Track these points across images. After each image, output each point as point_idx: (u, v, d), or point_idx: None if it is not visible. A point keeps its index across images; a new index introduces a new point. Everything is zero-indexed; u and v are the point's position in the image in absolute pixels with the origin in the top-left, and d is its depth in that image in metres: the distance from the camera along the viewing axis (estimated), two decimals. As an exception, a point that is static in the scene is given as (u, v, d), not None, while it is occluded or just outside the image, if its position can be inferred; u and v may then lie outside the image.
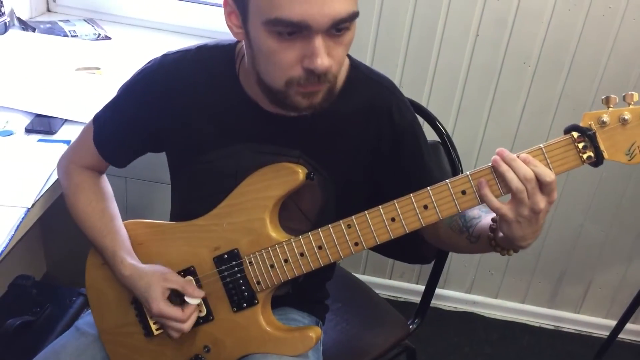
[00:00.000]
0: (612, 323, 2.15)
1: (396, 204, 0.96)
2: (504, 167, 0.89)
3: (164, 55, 1.09)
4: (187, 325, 1.06)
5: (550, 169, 0.89)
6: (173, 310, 1.05)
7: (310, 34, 0.86)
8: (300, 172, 1.02)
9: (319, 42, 0.86)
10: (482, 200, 0.92)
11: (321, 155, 1.06)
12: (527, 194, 0.88)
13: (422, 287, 1.53)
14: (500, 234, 0.95)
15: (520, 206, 0.89)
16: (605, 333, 2.20)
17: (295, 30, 0.86)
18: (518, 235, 0.91)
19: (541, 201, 0.88)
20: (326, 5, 0.84)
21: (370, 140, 1.07)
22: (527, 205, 0.88)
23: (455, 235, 1.06)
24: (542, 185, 0.88)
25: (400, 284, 2.30)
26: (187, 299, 1.06)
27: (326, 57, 0.87)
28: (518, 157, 0.89)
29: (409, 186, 0.97)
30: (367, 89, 0.94)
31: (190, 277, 1.10)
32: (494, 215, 0.95)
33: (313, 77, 0.89)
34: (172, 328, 1.06)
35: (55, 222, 1.90)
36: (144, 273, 1.08)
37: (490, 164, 0.91)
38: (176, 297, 1.07)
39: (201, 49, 1.08)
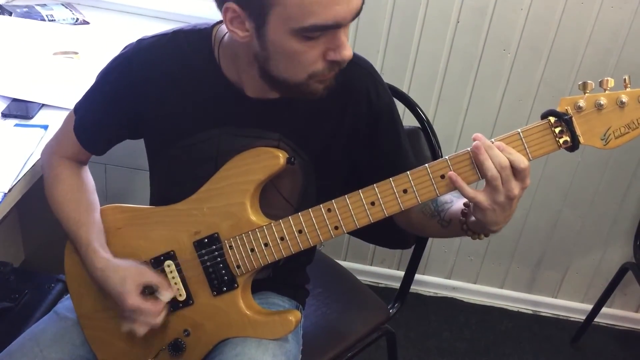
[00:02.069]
0: (589, 307, 2.19)
1: (376, 188, 0.96)
2: (483, 156, 0.90)
3: (140, 40, 1.08)
4: (159, 320, 1.06)
5: (527, 153, 0.90)
6: (148, 305, 1.04)
7: (335, 30, 0.88)
8: (281, 157, 1.02)
9: (343, 35, 0.89)
10: (460, 191, 0.93)
11: (301, 138, 1.07)
12: (502, 181, 0.89)
13: (402, 273, 1.54)
14: (472, 219, 0.96)
15: (495, 193, 0.90)
16: (581, 317, 2.24)
17: (325, 31, 0.87)
18: (491, 221, 0.93)
19: (515, 187, 0.89)
20: (352, 1, 0.86)
21: (349, 121, 1.07)
22: (502, 192, 0.90)
23: (427, 220, 1.07)
24: (516, 172, 0.89)
25: (382, 270, 2.32)
26: (159, 293, 1.06)
27: (349, 47, 0.91)
28: (492, 144, 0.90)
29: (386, 167, 0.99)
30: (346, 70, 0.95)
31: (170, 263, 1.09)
32: (465, 200, 0.96)
33: (336, 66, 0.92)
34: (143, 323, 1.05)
35: (34, 210, 1.86)
36: (118, 267, 1.07)
37: (469, 149, 0.92)
38: (146, 294, 1.07)
39: (177, 33, 1.07)
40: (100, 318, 1.15)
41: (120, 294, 1.04)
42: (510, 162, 0.89)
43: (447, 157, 0.93)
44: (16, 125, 1.32)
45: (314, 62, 0.91)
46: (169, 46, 1.06)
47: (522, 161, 0.89)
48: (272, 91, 1.01)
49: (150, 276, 1.07)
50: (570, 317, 2.33)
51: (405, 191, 0.95)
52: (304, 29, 0.86)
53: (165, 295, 1.06)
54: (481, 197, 0.91)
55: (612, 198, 2.11)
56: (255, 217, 1.05)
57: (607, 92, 0.89)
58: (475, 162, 0.92)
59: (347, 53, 0.90)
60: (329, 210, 0.99)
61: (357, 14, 0.89)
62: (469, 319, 2.26)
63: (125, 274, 1.05)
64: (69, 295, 1.19)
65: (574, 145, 0.90)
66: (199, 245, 1.08)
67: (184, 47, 1.05)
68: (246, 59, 0.96)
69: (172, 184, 1.13)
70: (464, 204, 0.99)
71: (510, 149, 0.90)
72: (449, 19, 1.85)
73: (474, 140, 0.91)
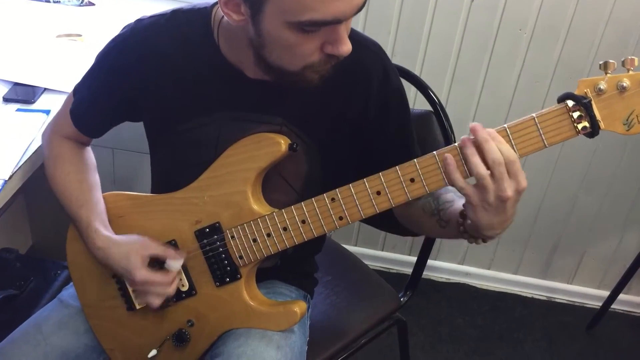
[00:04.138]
0: (605, 294, 2.16)
1: (381, 177, 0.93)
2: (469, 151, 0.85)
3: (138, 21, 1.05)
4: (171, 289, 1.04)
5: (542, 140, 0.86)
6: (157, 275, 1.03)
7: (335, 24, 0.85)
8: (283, 143, 0.99)
9: (343, 30, 0.86)
10: (446, 177, 0.88)
11: (305, 122, 1.04)
12: (494, 179, 0.83)
13: (414, 259, 1.51)
14: (469, 221, 0.91)
15: (484, 192, 0.84)
16: (597, 304, 2.21)
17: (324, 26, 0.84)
18: (484, 223, 0.87)
19: (508, 188, 0.83)
20: None
21: (356, 105, 1.04)
22: (492, 191, 0.84)
23: (426, 217, 1.02)
24: (508, 167, 0.83)
25: (393, 256, 2.29)
26: (169, 263, 1.04)
27: (349, 42, 0.87)
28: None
29: (393, 153, 0.95)
30: (355, 52, 0.91)
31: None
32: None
33: (333, 59, 0.89)
34: (156, 294, 1.03)
35: (41, 196, 1.87)
36: (120, 244, 1.05)
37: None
38: (155, 265, 1.05)
39: (176, 13, 1.04)
40: (104, 307, 1.13)
41: (127, 270, 1.03)
42: (497, 155, 0.82)
43: (456, 143, 0.88)
44: (18, 110, 1.31)
45: (311, 54, 0.88)
46: (167, 26, 1.03)
47: (510, 153, 0.83)
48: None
49: (155, 248, 1.05)
50: (585, 303, 2.29)
51: (412, 180, 0.91)
52: (301, 23, 0.83)
53: (174, 265, 1.04)
54: (470, 191, 0.86)
55: (630, 182, 2.06)
56: (257, 206, 1.02)
57: (630, 72, 0.82)
58: (462, 157, 0.86)
59: (346, 48, 0.87)
60: (332, 199, 0.96)
61: (360, 8, 0.85)
62: (482, 306, 2.23)
63: (129, 249, 1.03)
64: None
65: (593, 131, 0.84)
66: (200, 234, 1.05)
67: (183, 28, 1.02)
68: (244, 41, 0.93)
69: (172, 170, 1.11)
70: (463, 205, 0.92)
71: (499, 138, 0.84)
72: (462, -3, 1.80)
73: (471, 130, 0.85)
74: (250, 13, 0.86)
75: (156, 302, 1.04)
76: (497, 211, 0.86)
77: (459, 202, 0.96)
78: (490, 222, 0.87)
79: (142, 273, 1.02)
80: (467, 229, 0.93)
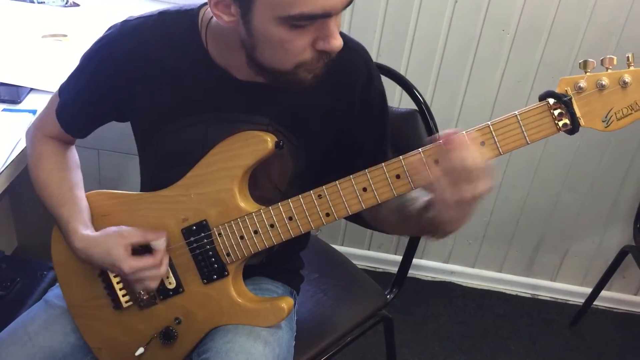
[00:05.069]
0: (588, 290, 2.18)
1: (368, 174, 0.94)
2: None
3: (125, 22, 1.05)
4: (163, 269, 1.04)
5: (525, 137, 0.87)
6: (144, 260, 1.02)
7: (325, 19, 0.85)
8: (270, 141, 0.99)
9: (333, 24, 0.86)
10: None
11: (291, 122, 1.04)
12: (447, 184, 0.83)
13: (400, 258, 1.52)
14: (430, 215, 0.90)
15: (443, 192, 0.84)
16: (580, 300, 2.24)
17: (314, 20, 0.84)
18: (446, 218, 0.87)
19: (466, 191, 0.83)
20: None
21: (341, 107, 1.05)
22: (456, 190, 0.83)
23: (390, 214, 1.03)
24: (465, 174, 0.82)
25: (379, 255, 2.30)
26: (153, 244, 1.03)
27: (339, 37, 0.87)
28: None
29: (368, 152, 0.97)
30: (340, 55, 0.92)
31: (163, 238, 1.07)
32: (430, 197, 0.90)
33: (325, 56, 0.90)
34: (150, 277, 1.03)
35: (26, 196, 1.86)
36: (98, 241, 1.04)
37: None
38: (138, 251, 1.04)
39: (163, 15, 1.04)
40: (90, 307, 1.13)
41: (112, 265, 1.02)
42: (461, 164, 0.82)
43: (441, 140, 0.89)
44: (4, 110, 1.31)
45: (302, 51, 0.88)
46: (154, 28, 1.03)
47: (477, 160, 0.82)
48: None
49: (134, 235, 1.04)
50: (569, 300, 2.32)
51: (398, 176, 0.92)
52: (291, 17, 0.83)
53: (158, 244, 1.04)
54: (438, 187, 0.85)
55: (611, 181, 2.09)
56: (244, 203, 1.02)
57: (609, 70, 0.85)
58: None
59: (337, 43, 0.87)
60: (319, 196, 0.97)
61: (349, 2, 0.85)
62: (467, 303, 2.25)
63: (108, 245, 1.03)
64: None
65: (574, 128, 0.86)
66: (187, 232, 1.06)
67: (170, 29, 1.02)
68: (234, 43, 0.93)
69: (160, 169, 1.11)
70: (428, 200, 0.91)
71: (469, 146, 0.83)
72: (446, -2, 1.81)
73: (441, 137, 0.85)
74: (241, 12, 0.86)
75: (152, 285, 1.04)
76: (460, 208, 0.85)
77: (422, 199, 0.95)
78: (453, 217, 0.87)
79: (129, 263, 1.01)
80: (426, 223, 0.92)
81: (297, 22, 0.84)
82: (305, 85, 0.94)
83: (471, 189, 0.83)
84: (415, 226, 0.98)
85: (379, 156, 0.97)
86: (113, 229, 1.05)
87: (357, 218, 1.14)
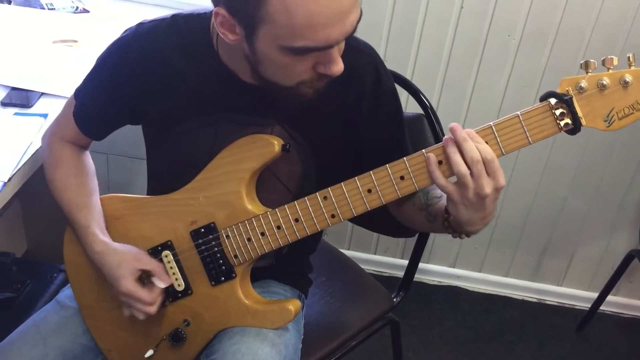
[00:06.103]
0: (594, 295, 2.17)
1: (372, 175, 0.95)
2: (451, 150, 0.88)
3: (139, 24, 1.07)
4: (153, 309, 1.06)
5: (527, 137, 0.88)
6: (141, 292, 1.05)
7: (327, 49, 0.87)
8: (276, 144, 1.00)
9: (335, 52, 0.88)
10: (430, 176, 0.91)
11: (299, 125, 1.05)
12: (473, 177, 0.87)
13: (406, 262, 1.53)
14: (452, 216, 0.94)
15: (464, 189, 0.88)
16: (587, 305, 2.23)
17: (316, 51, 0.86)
18: (464, 219, 0.91)
19: (487, 185, 0.87)
20: (346, 22, 0.84)
21: (350, 106, 1.06)
22: (471, 188, 0.87)
23: (416, 212, 1.06)
24: (486, 166, 0.87)
25: (385, 259, 2.31)
26: (155, 280, 1.06)
27: (341, 61, 0.89)
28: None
29: (385, 151, 0.97)
30: (348, 56, 0.93)
31: (168, 253, 1.09)
32: None
33: (326, 77, 0.91)
34: (138, 310, 1.06)
35: (37, 199, 1.88)
36: (116, 251, 1.07)
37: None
38: (144, 279, 1.07)
39: (176, 18, 1.06)
40: (101, 308, 1.15)
41: (115, 278, 1.05)
42: (477, 152, 0.86)
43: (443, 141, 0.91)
44: (16, 114, 1.32)
45: (303, 73, 0.90)
46: (167, 31, 1.05)
47: (488, 152, 0.86)
48: None
49: (147, 263, 1.07)
50: (575, 305, 2.32)
51: (402, 177, 0.93)
52: (293, 49, 0.85)
53: (160, 282, 1.06)
54: (451, 189, 0.89)
55: (618, 185, 2.09)
56: (251, 205, 1.04)
57: (610, 71, 0.86)
58: (444, 157, 0.90)
59: (337, 68, 0.89)
60: (325, 198, 0.98)
61: (352, 32, 0.87)
62: (473, 308, 2.25)
63: (122, 258, 1.06)
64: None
65: (575, 127, 0.87)
66: (195, 235, 1.07)
67: (182, 33, 1.04)
68: (241, 53, 0.95)
69: (168, 171, 1.12)
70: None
71: (478, 138, 0.88)
72: (452, 3, 1.82)
73: (450, 130, 0.88)
74: (245, 34, 0.88)
75: (140, 316, 1.07)
76: (477, 208, 0.89)
77: (445, 198, 0.99)
78: (471, 218, 0.91)
79: (129, 285, 1.04)
80: (451, 224, 0.97)
81: (299, 52, 0.85)
82: (306, 99, 0.95)
83: (492, 182, 0.86)
84: (440, 225, 1.00)
85: (399, 152, 0.97)
86: (133, 247, 1.08)
87: (382, 222, 1.13)
